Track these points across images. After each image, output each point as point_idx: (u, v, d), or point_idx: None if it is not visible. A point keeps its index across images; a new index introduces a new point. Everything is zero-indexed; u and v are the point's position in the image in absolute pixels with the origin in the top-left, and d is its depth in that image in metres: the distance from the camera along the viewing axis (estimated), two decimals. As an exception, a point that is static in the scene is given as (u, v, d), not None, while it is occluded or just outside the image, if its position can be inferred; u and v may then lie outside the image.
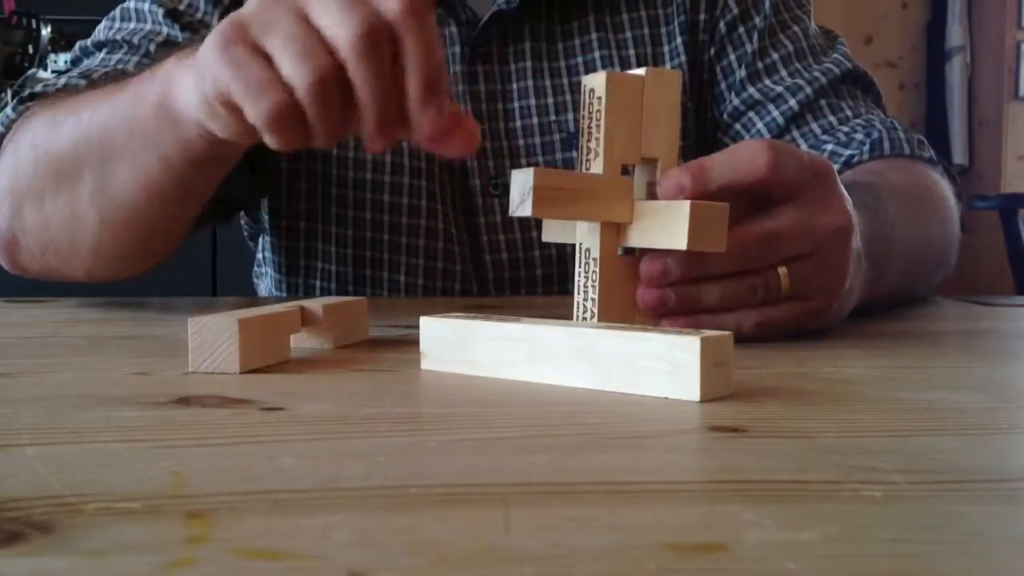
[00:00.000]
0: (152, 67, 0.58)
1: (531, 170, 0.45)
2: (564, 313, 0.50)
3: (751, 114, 0.85)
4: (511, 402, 0.38)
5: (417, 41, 0.44)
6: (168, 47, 0.76)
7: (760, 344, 0.51)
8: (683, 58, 0.85)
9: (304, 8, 0.45)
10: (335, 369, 0.45)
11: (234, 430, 0.33)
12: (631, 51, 0.85)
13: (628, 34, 0.85)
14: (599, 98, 0.47)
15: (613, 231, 0.48)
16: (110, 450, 0.30)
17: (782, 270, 0.50)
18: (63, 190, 0.63)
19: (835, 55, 0.87)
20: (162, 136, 0.55)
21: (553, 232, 0.52)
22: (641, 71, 0.48)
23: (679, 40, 0.85)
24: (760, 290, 0.50)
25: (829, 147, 0.81)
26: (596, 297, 0.48)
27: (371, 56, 0.44)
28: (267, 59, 0.45)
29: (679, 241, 0.45)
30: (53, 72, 0.78)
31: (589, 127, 0.48)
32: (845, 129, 0.82)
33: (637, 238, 0.48)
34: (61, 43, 2.13)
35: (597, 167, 0.47)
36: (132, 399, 0.37)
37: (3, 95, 0.77)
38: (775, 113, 0.84)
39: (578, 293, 0.49)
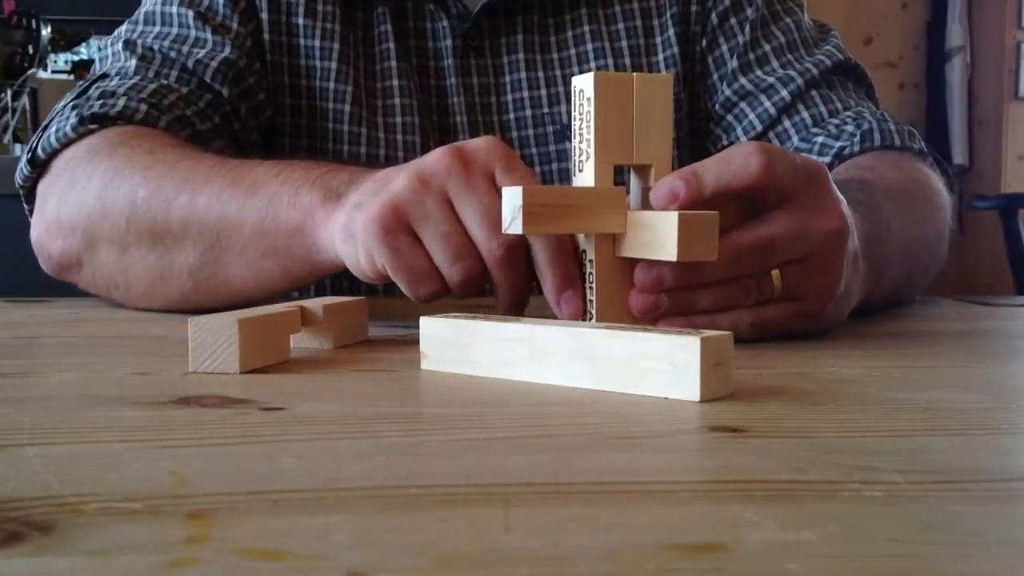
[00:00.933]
0: (286, 173, 0.60)
1: (520, 188, 0.45)
2: None
3: (743, 104, 0.86)
4: (511, 402, 0.38)
5: (546, 247, 0.50)
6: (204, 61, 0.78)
7: (760, 344, 0.51)
8: (675, 49, 0.86)
9: (451, 197, 0.50)
10: (335, 369, 0.45)
11: (234, 430, 0.33)
12: (624, 42, 0.86)
13: (620, 25, 0.86)
14: (588, 99, 0.47)
15: (608, 239, 0.48)
16: (110, 450, 0.30)
17: (775, 272, 0.50)
18: (156, 251, 0.64)
19: (827, 47, 0.87)
20: (295, 255, 0.59)
21: None
22: (631, 76, 0.48)
23: (671, 31, 0.86)
24: (753, 291, 0.50)
25: (820, 139, 0.81)
26: (594, 299, 0.48)
27: (510, 265, 0.50)
28: (423, 250, 0.51)
29: (669, 252, 0.45)
30: (96, 84, 0.76)
31: (580, 128, 0.48)
32: (836, 121, 0.82)
33: (630, 248, 0.48)
34: (61, 43, 2.13)
35: (589, 168, 0.47)
36: (132, 399, 0.37)
37: (62, 106, 0.76)
38: (767, 104, 0.84)
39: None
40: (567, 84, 0.85)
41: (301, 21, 0.82)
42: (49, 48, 2.05)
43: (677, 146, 0.87)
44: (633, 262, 0.49)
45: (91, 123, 0.71)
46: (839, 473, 0.27)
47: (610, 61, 0.85)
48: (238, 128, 0.81)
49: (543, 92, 0.85)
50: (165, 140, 0.70)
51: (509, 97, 0.84)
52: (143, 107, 0.73)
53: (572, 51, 0.85)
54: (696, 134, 0.88)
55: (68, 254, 0.69)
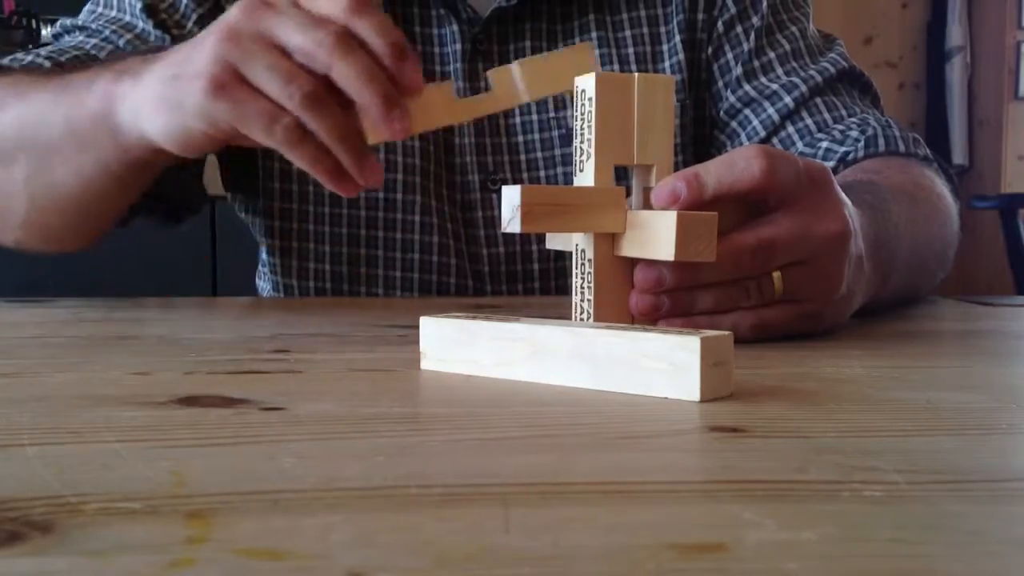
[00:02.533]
0: (90, 71, 0.61)
1: (519, 188, 0.45)
2: (564, 313, 0.50)
3: (747, 111, 0.86)
4: (511, 402, 0.38)
5: (371, 24, 0.50)
6: (129, 50, 0.77)
7: (760, 344, 0.51)
8: (681, 56, 0.86)
9: (272, 36, 0.50)
10: (335, 369, 0.45)
11: (234, 430, 0.33)
12: (630, 50, 0.86)
13: (627, 33, 0.86)
14: (590, 99, 0.47)
15: (607, 238, 0.48)
16: (110, 450, 0.30)
17: (776, 274, 0.50)
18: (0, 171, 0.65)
19: (832, 55, 0.87)
20: (101, 143, 0.59)
21: (555, 240, 0.52)
22: (633, 76, 0.48)
23: (677, 39, 0.86)
24: (754, 293, 0.50)
25: (824, 144, 0.82)
26: (592, 298, 0.48)
27: (344, 54, 0.49)
28: (260, 93, 0.50)
29: (666, 252, 0.45)
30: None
31: (581, 128, 0.48)
32: (840, 127, 0.83)
33: (629, 248, 0.48)
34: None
35: (590, 168, 0.48)
36: (132, 399, 0.37)
37: None
38: (771, 110, 0.85)
39: (575, 294, 0.49)
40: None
41: None
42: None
43: (681, 151, 0.87)
44: (632, 262, 0.49)
45: None
46: (839, 473, 0.27)
47: (616, 67, 0.85)
48: None
49: (549, 97, 0.85)
50: (38, 71, 0.71)
51: (517, 107, 0.84)
52: (47, 64, 0.73)
53: None
54: (700, 140, 0.89)
55: None
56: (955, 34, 3.66)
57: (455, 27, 0.84)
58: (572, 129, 0.84)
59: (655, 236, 0.46)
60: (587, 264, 0.48)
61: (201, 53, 0.51)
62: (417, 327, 0.45)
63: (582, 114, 0.48)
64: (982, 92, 3.69)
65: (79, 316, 0.66)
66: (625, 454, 0.30)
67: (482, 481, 0.27)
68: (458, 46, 0.84)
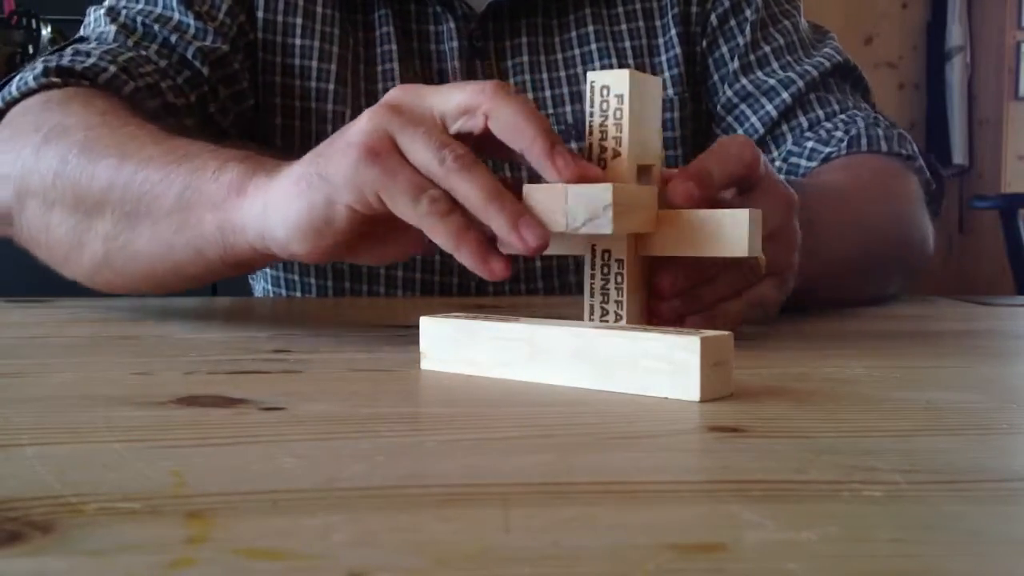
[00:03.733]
0: (213, 152, 0.56)
1: (608, 186, 0.44)
2: (565, 313, 0.50)
3: (743, 107, 0.87)
4: (511, 402, 0.38)
5: (514, 107, 0.47)
6: (173, 42, 0.77)
7: (760, 344, 0.51)
8: (678, 50, 0.86)
9: (431, 109, 0.48)
10: (335, 369, 0.45)
11: (234, 430, 0.33)
12: (627, 43, 0.86)
13: (624, 27, 0.86)
14: (618, 96, 0.47)
15: (636, 238, 0.48)
16: (110, 450, 0.30)
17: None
18: (77, 215, 0.61)
19: (826, 49, 0.88)
20: (208, 233, 0.54)
21: (556, 245, 0.50)
22: (625, 76, 0.48)
23: (673, 32, 0.86)
24: (748, 273, 0.51)
25: (810, 144, 0.83)
26: (622, 300, 0.47)
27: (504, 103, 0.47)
28: (411, 163, 0.47)
29: (740, 248, 0.45)
30: (73, 44, 0.76)
31: (604, 125, 0.47)
32: (828, 126, 0.84)
33: (672, 247, 0.47)
34: (61, 43, 2.13)
35: (617, 167, 0.47)
36: (132, 399, 0.37)
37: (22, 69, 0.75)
38: (768, 107, 0.85)
39: (592, 296, 0.48)
40: (571, 85, 0.85)
41: (299, 21, 0.82)
42: (49, 48, 2.05)
43: (679, 145, 0.87)
44: (649, 263, 0.49)
45: (55, 76, 0.69)
46: (839, 473, 0.27)
47: (614, 61, 0.86)
48: (214, 111, 0.80)
49: (548, 93, 0.85)
50: (123, 106, 0.68)
51: None
52: (112, 68, 0.71)
53: (576, 52, 0.86)
54: (698, 134, 0.89)
55: (1, 205, 0.67)
56: (955, 34, 3.66)
57: (452, 24, 0.84)
58: (571, 125, 0.84)
59: (719, 234, 0.46)
60: (615, 265, 0.48)
61: (356, 125, 0.48)
62: (417, 327, 0.45)
63: (604, 111, 0.47)
64: (982, 92, 3.69)
65: (79, 316, 0.66)
66: (625, 454, 0.30)
67: (482, 481, 0.27)
68: (455, 43, 0.84)
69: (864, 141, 0.80)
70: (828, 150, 0.81)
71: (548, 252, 0.51)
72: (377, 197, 0.46)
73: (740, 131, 0.87)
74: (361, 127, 0.47)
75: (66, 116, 0.65)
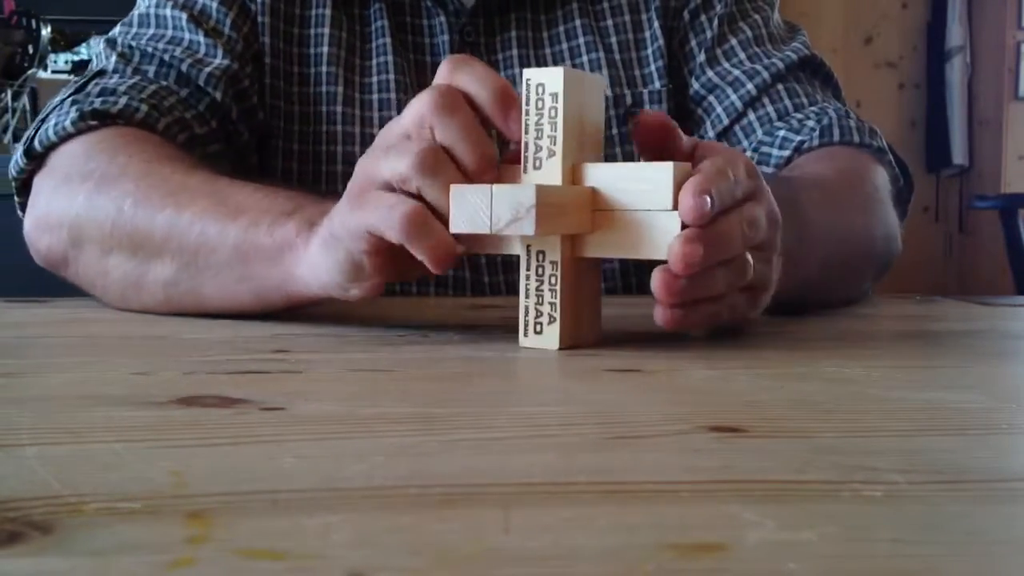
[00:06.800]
0: (269, 200, 0.59)
1: (531, 187, 0.44)
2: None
3: (711, 98, 0.87)
4: (511, 402, 0.38)
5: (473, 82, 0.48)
6: (186, 65, 0.77)
7: (760, 344, 0.51)
8: (661, 42, 0.87)
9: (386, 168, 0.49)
10: (335, 369, 0.45)
11: (234, 430, 0.33)
12: (613, 38, 0.87)
13: (609, 21, 0.88)
14: (553, 94, 0.46)
15: (570, 239, 0.47)
16: (110, 450, 0.30)
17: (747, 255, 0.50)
18: (135, 259, 0.63)
19: (795, 43, 0.89)
20: (267, 285, 0.58)
21: (491, 244, 0.50)
22: (559, 74, 0.47)
23: (656, 24, 0.87)
24: (742, 272, 0.49)
25: (781, 133, 0.83)
26: (556, 302, 0.47)
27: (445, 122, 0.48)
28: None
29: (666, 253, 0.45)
30: (95, 80, 0.76)
31: (539, 124, 0.46)
32: (799, 116, 0.84)
33: (607, 248, 0.47)
34: (61, 43, 2.13)
35: (553, 166, 0.46)
36: (132, 399, 0.37)
37: (55, 100, 0.76)
38: (733, 97, 0.86)
39: (527, 297, 0.48)
40: None
41: (296, 31, 0.83)
42: (49, 48, 2.05)
43: None
44: (588, 262, 0.48)
45: (91, 119, 0.71)
46: (839, 473, 0.27)
47: (602, 55, 0.86)
48: (233, 130, 0.81)
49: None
50: (162, 150, 0.70)
51: None
52: (144, 107, 0.73)
53: (564, 45, 0.86)
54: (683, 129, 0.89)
55: (54, 250, 0.69)
56: (955, 34, 3.66)
57: (442, 18, 0.85)
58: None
59: (651, 236, 0.45)
60: (548, 266, 0.47)
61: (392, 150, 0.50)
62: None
63: (539, 109, 0.47)
64: (982, 92, 3.69)
65: (79, 316, 0.66)
66: (625, 454, 0.30)
67: (482, 481, 0.27)
68: (445, 37, 0.85)
69: (836, 132, 0.80)
70: (800, 139, 0.81)
71: (483, 252, 0.51)
72: (377, 233, 0.48)
73: (708, 123, 0.87)
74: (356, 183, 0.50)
75: (111, 164, 0.67)
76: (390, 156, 0.49)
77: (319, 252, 0.53)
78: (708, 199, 0.45)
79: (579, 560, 0.21)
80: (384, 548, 0.21)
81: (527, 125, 0.47)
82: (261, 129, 0.84)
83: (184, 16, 0.80)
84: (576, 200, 0.46)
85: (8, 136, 1.99)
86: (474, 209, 0.45)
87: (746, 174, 0.49)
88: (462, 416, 0.35)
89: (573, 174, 0.47)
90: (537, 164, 0.47)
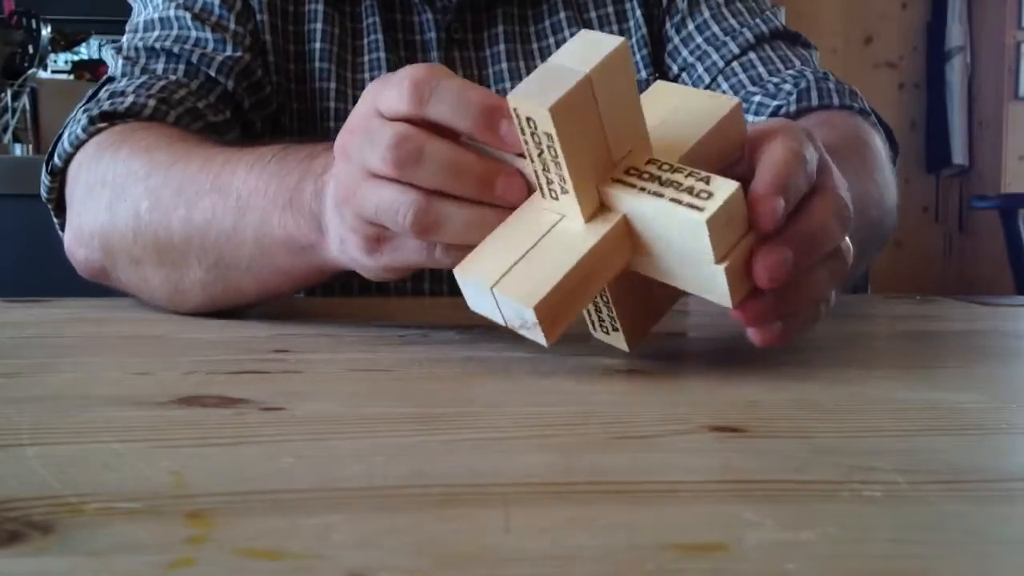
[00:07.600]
0: (263, 183, 0.57)
1: (530, 306, 0.38)
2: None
3: (683, 76, 0.87)
4: (511, 402, 0.38)
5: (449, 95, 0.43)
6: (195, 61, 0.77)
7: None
8: (644, 31, 0.87)
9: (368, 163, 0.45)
10: (335, 369, 0.45)
11: (234, 430, 0.33)
12: (598, 30, 0.87)
13: (593, 13, 0.88)
14: (547, 134, 0.38)
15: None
16: (110, 450, 0.30)
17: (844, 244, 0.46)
18: (165, 268, 0.63)
19: (768, 13, 0.88)
20: (302, 271, 0.58)
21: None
22: (547, 115, 0.38)
23: (638, 13, 0.88)
24: (848, 258, 0.46)
25: (757, 98, 0.83)
26: (614, 315, 0.45)
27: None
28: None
29: (722, 296, 0.40)
30: (105, 86, 0.76)
31: (542, 158, 0.40)
32: (775, 80, 0.83)
33: (656, 273, 0.42)
34: (61, 43, 2.13)
35: (570, 202, 0.40)
36: (132, 399, 0.37)
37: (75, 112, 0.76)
38: (700, 70, 0.86)
39: (588, 315, 0.47)
40: None
41: (291, 27, 0.83)
42: (49, 48, 2.05)
43: None
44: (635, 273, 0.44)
45: (100, 122, 0.71)
46: (839, 473, 0.27)
47: None
48: (246, 121, 0.81)
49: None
50: (162, 134, 0.69)
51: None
52: (151, 102, 0.73)
53: (551, 39, 0.87)
54: None
55: (91, 262, 0.69)
56: (955, 34, 3.66)
57: (429, 16, 0.85)
58: None
59: (702, 279, 0.40)
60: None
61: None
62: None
63: (537, 144, 0.39)
64: (982, 92, 3.69)
65: (79, 316, 0.66)
66: (625, 454, 0.30)
67: (482, 481, 0.27)
68: (432, 34, 0.85)
69: (815, 94, 0.79)
70: (776, 103, 0.80)
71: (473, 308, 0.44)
72: (375, 220, 0.46)
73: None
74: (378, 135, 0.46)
75: (120, 165, 0.67)
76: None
77: (335, 238, 0.51)
78: (781, 201, 0.40)
79: (579, 560, 0.21)
80: (384, 548, 0.21)
81: (529, 155, 0.40)
82: (271, 120, 0.84)
83: (188, 16, 0.80)
84: (596, 264, 0.40)
85: (8, 136, 1.98)
86: (491, 307, 0.41)
87: (813, 148, 0.44)
88: (462, 416, 0.35)
89: (601, 196, 0.41)
90: (554, 195, 0.41)
